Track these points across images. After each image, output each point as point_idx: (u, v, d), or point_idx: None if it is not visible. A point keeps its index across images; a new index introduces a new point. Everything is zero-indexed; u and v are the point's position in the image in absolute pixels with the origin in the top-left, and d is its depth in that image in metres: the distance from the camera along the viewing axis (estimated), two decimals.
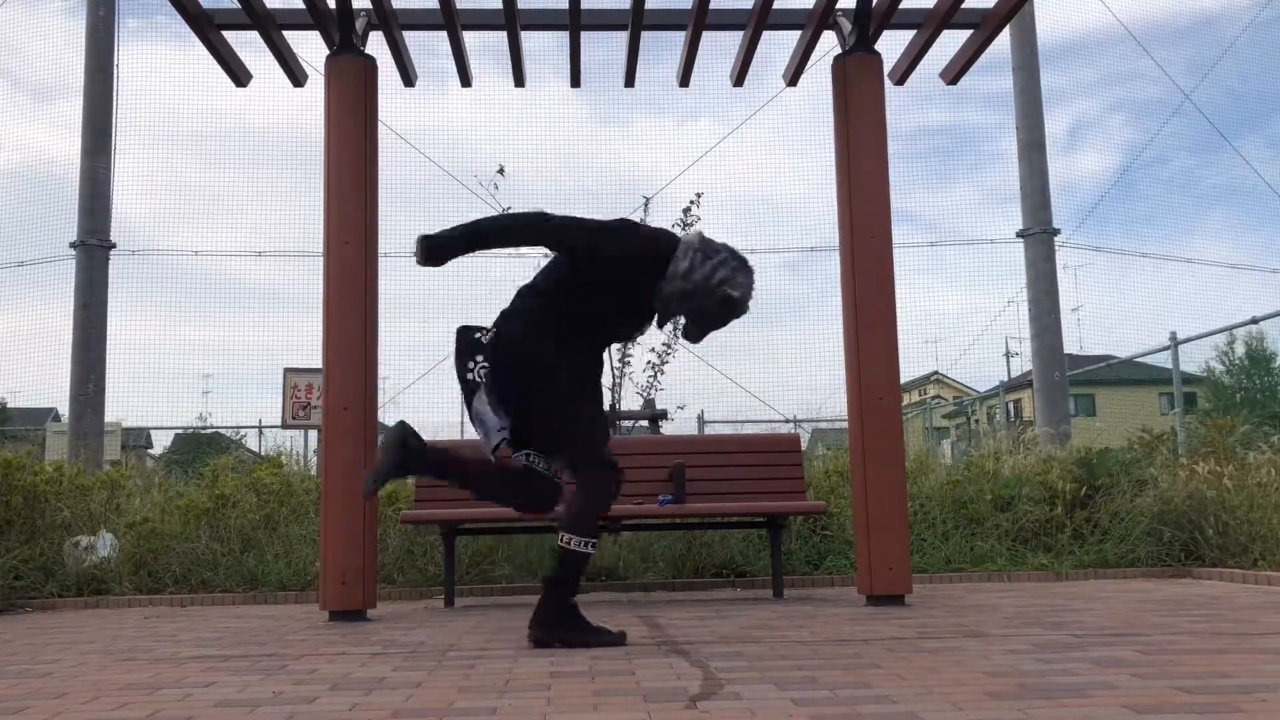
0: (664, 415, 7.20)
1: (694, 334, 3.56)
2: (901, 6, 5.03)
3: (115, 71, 10.57)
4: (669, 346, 8.17)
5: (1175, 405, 10.05)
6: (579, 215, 3.52)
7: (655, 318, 3.59)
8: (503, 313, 3.56)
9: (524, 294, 3.58)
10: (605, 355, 3.80)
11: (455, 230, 3.48)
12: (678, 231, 3.69)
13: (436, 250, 3.43)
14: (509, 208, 3.63)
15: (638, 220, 3.63)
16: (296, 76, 5.51)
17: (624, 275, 3.47)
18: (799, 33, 5.35)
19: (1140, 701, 2.25)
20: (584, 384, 3.52)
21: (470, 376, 3.43)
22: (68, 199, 10.55)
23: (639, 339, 3.61)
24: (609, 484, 3.46)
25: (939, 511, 6.88)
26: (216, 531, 6.55)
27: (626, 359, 8.00)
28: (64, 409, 11.08)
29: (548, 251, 3.65)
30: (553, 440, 3.51)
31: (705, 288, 3.40)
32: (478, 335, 3.49)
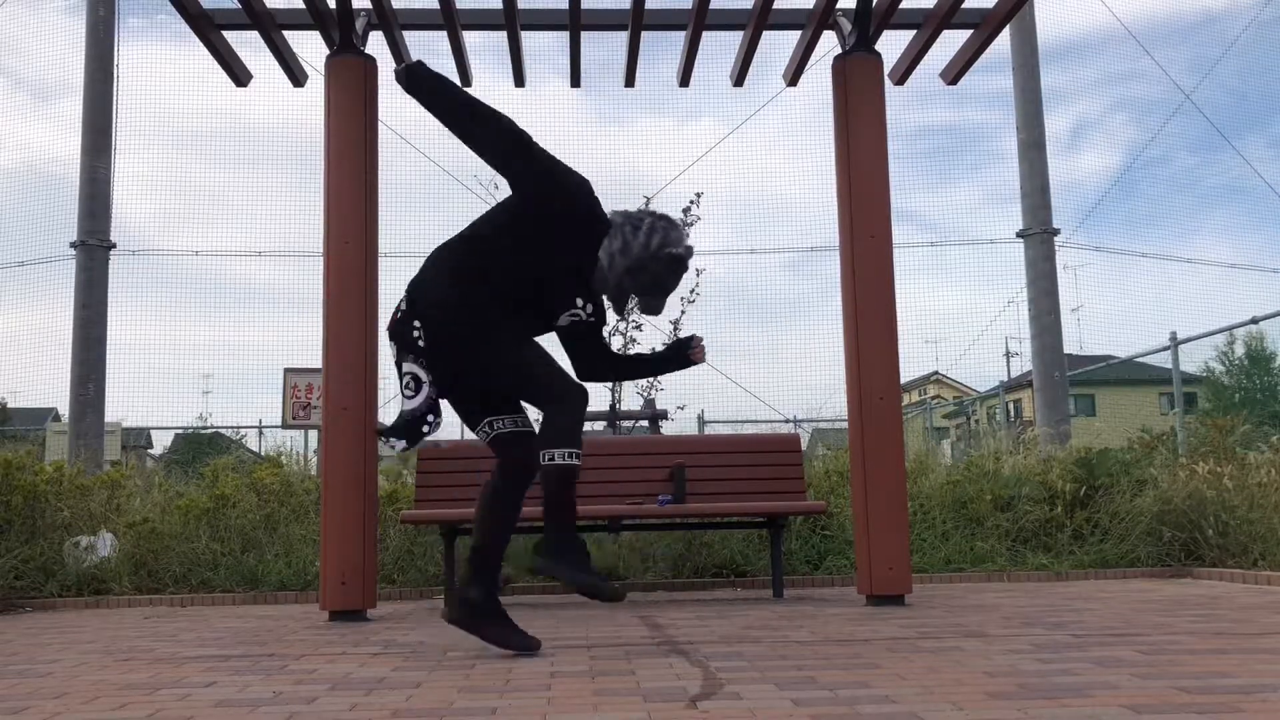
0: (664, 415, 7.20)
1: (653, 305, 3.47)
2: (901, 6, 5.03)
3: (115, 71, 10.57)
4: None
5: (1175, 405, 10.05)
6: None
7: (587, 306, 3.46)
8: (415, 282, 3.39)
9: (440, 256, 3.42)
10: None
11: (444, 82, 3.40)
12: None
13: (417, 80, 3.38)
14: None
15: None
16: (296, 76, 5.51)
17: (559, 239, 3.34)
18: (799, 33, 5.35)
19: (1140, 701, 2.25)
20: (513, 336, 3.36)
21: (415, 335, 3.28)
22: (68, 199, 10.56)
23: (567, 320, 3.46)
24: (576, 396, 3.32)
25: (939, 511, 6.88)
26: (216, 531, 6.55)
27: None
28: (64, 409, 11.08)
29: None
30: (512, 392, 3.40)
31: (647, 257, 3.32)
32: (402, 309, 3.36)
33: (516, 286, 3.35)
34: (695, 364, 3.70)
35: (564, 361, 3.53)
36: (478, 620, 3.31)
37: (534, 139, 3.35)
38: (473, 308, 3.31)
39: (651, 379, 8.00)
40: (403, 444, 3.37)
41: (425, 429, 3.38)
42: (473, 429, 3.47)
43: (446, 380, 3.35)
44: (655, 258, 3.34)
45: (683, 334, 8.27)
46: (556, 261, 3.37)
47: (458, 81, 5.53)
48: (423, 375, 3.32)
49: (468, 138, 3.38)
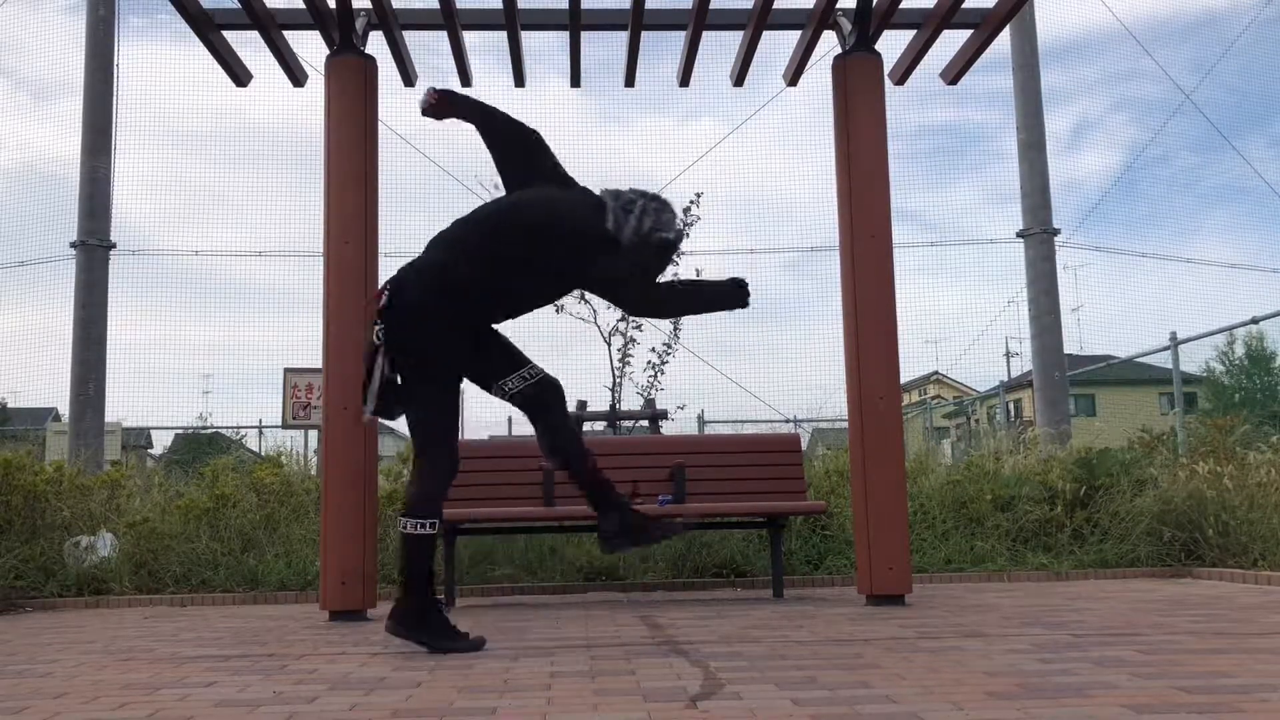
0: (664, 415, 7.20)
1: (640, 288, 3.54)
2: (901, 6, 5.03)
3: (115, 71, 10.57)
4: (669, 346, 8.18)
5: (1175, 405, 10.05)
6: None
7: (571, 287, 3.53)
8: (408, 269, 3.44)
9: (434, 249, 3.46)
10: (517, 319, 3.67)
11: (472, 100, 3.57)
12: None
13: (453, 102, 3.51)
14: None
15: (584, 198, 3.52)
16: (296, 76, 5.51)
17: (552, 246, 3.38)
18: (799, 33, 5.35)
19: (1140, 701, 2.25)
20: (451, 366, 3.43)
21: (375, 336, 3.36)
22: (68, 199, 10.56)
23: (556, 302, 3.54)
24: (443, 468, 3.38)
25: (939, 511, 6.88)
26: (216, 531, 6.55)
27: (627, 359, 8.01)
28: (64, 409, 11.08)
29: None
30: (408, 410, 3.46)
31: (639, 242, 3.32)
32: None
33: (498, 286, 3.38)
34: (745, 306, 3.71)
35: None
36: (414, 628, 3.37)
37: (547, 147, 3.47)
38: (442, 315, 3.35)
39: (652, 379, 8.02)
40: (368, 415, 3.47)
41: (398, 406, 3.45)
42: (489, 391, 3.51)
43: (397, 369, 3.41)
44: (646, 243, 3.32)
45: (682, 334, 8.30)
46: (544, 266, 3.40)
47: (457, 83, 5.56)
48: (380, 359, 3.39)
49: (497, 134, 3.55)
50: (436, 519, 3.37)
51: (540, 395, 3.44)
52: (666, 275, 3.68)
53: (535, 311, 3.62)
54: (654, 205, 3.37)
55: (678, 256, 7.63)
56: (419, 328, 3.34)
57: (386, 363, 3.37)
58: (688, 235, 7.70)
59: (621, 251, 3.32)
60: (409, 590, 3.37)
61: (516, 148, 3.58)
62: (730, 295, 3.69)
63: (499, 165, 3.61)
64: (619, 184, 3.46)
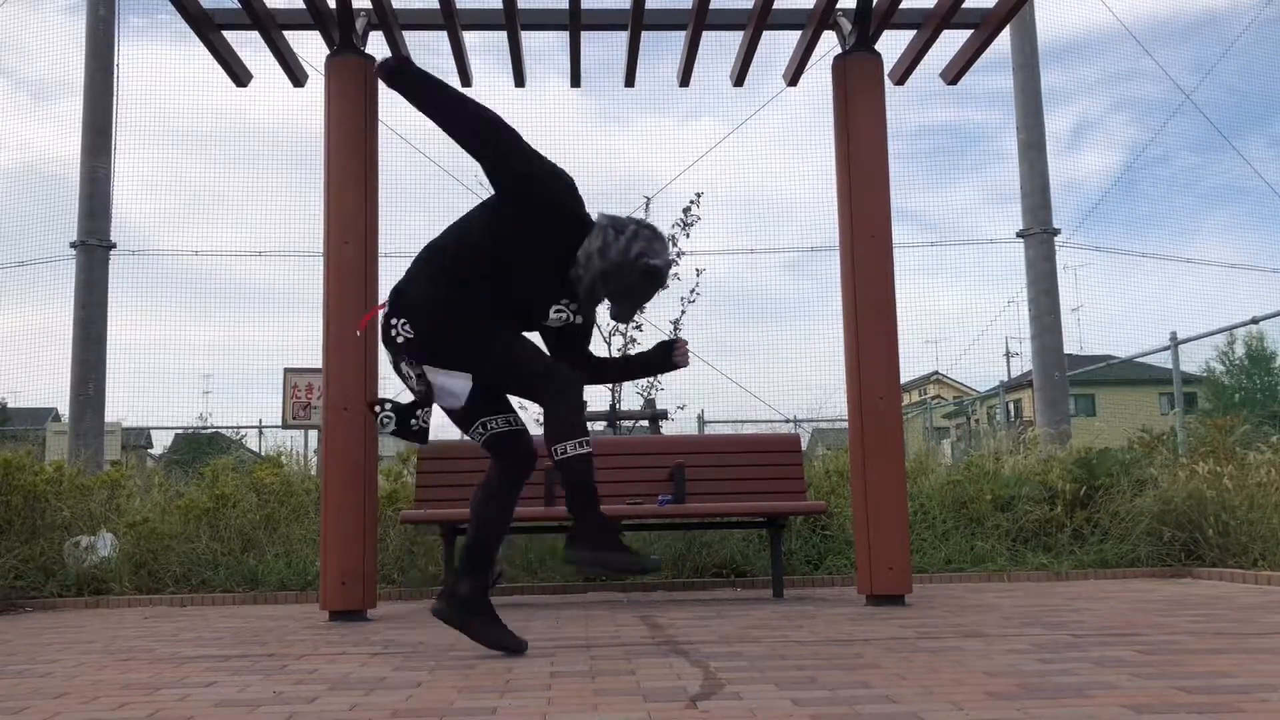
0: (664, 415, 7.20)
1: (623, 312, 3.45)
2: (901, 6, 5.03)
3: (116, 71, 10.57)
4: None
5: (1175, 405, 10.05)
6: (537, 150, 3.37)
7: (573, 305, 3.43)
8: (398, 288, 3.39)
9: (429, 257, 3.41)
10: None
11: (426, 76, 3.40)
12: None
13: (403, 76, 3.36)
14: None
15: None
16: (297, 76, 5.51)
17: (542, 236, 3.32)
18: (799, 33, 5.35)
19: (1140, 701, 2.25)
20: (498, 330, 3.36)
21: (394, 335, 3.30)
22: (68, 199, 10.56)
23: (555, 319, 3.46)
24: (572, 385, 3.30)
25: (939, 511, 6.88)
26: (216, 531, 6.55)
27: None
28: (64, 409, 11.08)
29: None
30: (504, 385, 3.41)
31: (625, 263, 3.28)
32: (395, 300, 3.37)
33: (497, 287, 3.35)
34: (678, 367, 3.66)
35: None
36: (465, 616, 3.33)
37: (519, 135, 3.36)
38: (455, 303, 3.31)
39: (650, 379, 8.01)
40: (391, 426, 3.39)
41: (414, 422, 3.40)
42: (465, 431, 3.47)
43: (437, 361, 3.35)
44: (632, 266, 3.29)
45: (683, 334, 8.30)
46: (538, 259, 3.35)
47: (457, 82, 5.55)
48: (414, 371, 3.34)
49: (451, 124, 3.38)
50: (587, 435, 3.26)
51: (509, 444, 3.44)
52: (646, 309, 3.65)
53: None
54: (646, 233, 3.35)
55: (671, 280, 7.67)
56: (438, 311, 3.29)
57: (416, 372, 3.34)
58: (676, 273, 7.72)
59: (605, 270, 3.30)
60: (592, 510, 3.25)
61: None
62: (658, 362, 3.66)
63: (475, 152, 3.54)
64: (620, 211, 3.47)
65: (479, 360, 3.32)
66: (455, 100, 3.39)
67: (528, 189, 3.31)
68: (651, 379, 8.07)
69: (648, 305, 3.55)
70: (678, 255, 8.07)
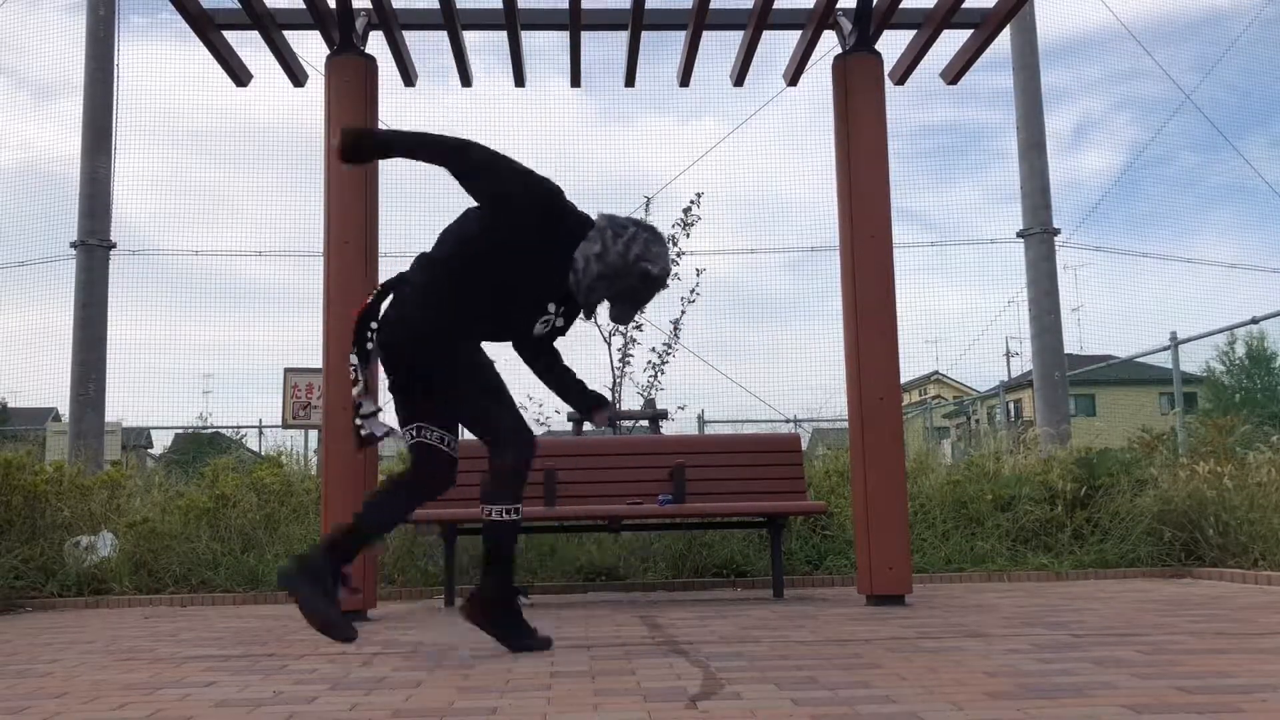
0: (664, 415, 7.20)
1: (622, 314, 3.46)
2: (901, 6, 5.03)
3: (116, 71, 10.57)
4: (669, 346, 8.18)
5: (1175, 405, 10.05)
6: (510, 157, 3.34)
7: (562, 309, 3.44)
8: (399, 279, 3.40)
9: (421, 266, 3.41)
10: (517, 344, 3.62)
11: (382, 134, 3.45)
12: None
13: (359, 145, 3.34)
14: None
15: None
16: (297, 76, 5.51)
17: (532, 241, 3.31)
18: (799, 33, 5.35)
19: (1140, 701, 2.25)
20: (479, 359, 3.37)
21: (369, 345, 3.29)
22: (68, 199, 10.56)
23: (541, 327, 3.46)
24: (524, 444, 3.29)
25: (939, 511, 6.88)
26: (216, 531, 6.55)
27: (627, 359, 8.01)
28: (64, 409, 11.08)
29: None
30: (463, 416, 3.41)
31: (623, 266, 3.29)
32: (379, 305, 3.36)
33: (488, 298, 3.34)
34: (591, 422, 3.71)
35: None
36: (299, 584, 3.18)
37: (482, 146, 3.34)
38: (442, 315, 3.30)
39: (651, 379, 8.02)
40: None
41: (357, 424, 3.38)
42: (400, 425, 3.46)
43: (402, 379, 3.37)
44: (630, 269, 3.30)
45: (682, 334, 8.30)
46: (527, 266, 3.34)
47: (457, 82, 5.56)
48: (362, 376, 3.33)
49: (433, 161, 3.36)
50: (519, 504, 3.28)
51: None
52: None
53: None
54: (645, 235, 3.35)
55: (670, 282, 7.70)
56: (423, 348, 3.30)
57: (361, 375, 3.31)
58: (676, 273, 7.74)
59: (603, 272, 3.30)
60: (502, 583, 3.30)
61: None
62: (579, 405, 3.68)
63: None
64: (620, 211, 3.46)
65: (448, 385, 3.32)
66: (419, 140, 3.36)
67: (507, 200, 3.31)
68: (652, 381, 8.09)
69: (647, 306, 3.56)
70: (678, 255, 8.08)
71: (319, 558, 3.22)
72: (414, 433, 3.40)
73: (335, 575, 3.22)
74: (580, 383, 3.70)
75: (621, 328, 7.87)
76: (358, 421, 3.36)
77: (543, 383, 3.71)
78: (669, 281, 3.49)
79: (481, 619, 3.32)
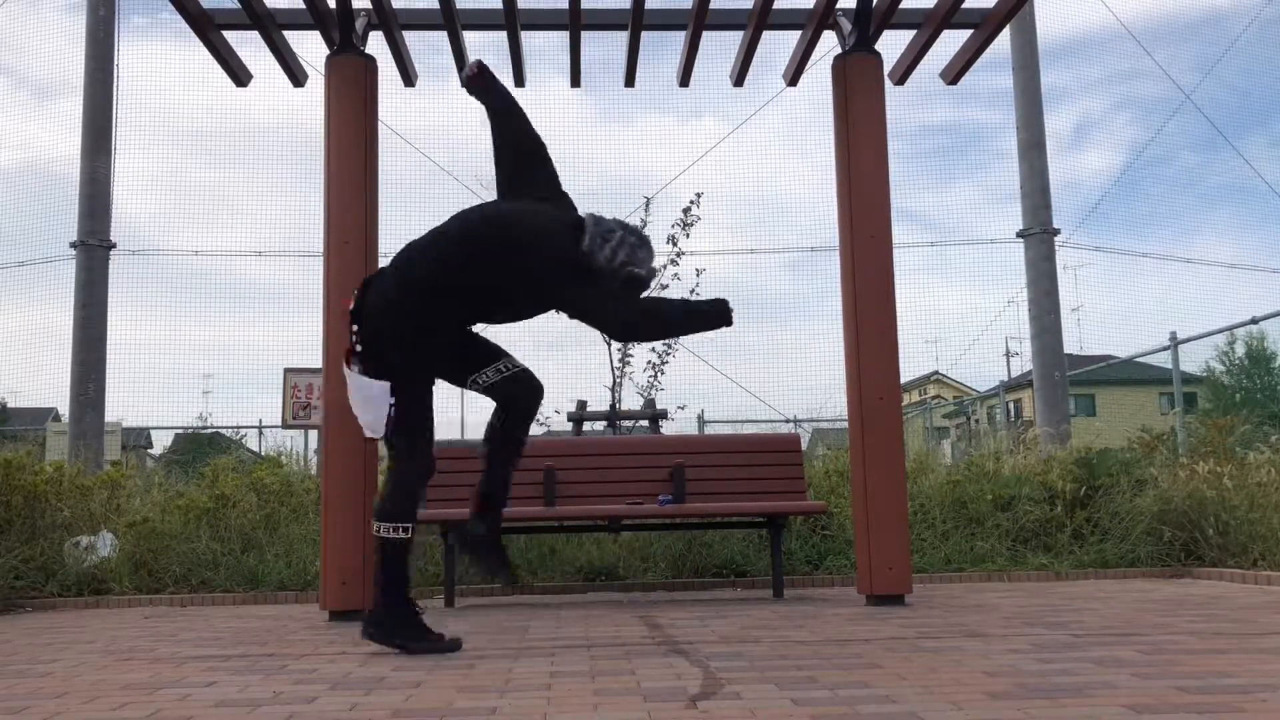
0: (664, 415, 7.20)
1: None
2: (901, 6, 5.03)
3: (115, 71, 10.57)
4: (669, 346, 8.17)
5: (1175, 405, 10.05)
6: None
7: (542, 303, 3.46)
8: (387, 271, 3.44)
9: (408, 258, 3.44)
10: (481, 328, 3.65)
11: (505, 91, 3.71)
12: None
13: (489, 85, 3.64)
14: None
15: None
16: (296, 76, 5.51)
17: (524, 260, 3.35)
18: (799, 33, 5.35)
19: (1140, 701, 2.25)
20: (423, 366, 3.40)
21: (352, 339, 3.36)
22: (68, 199, 10.55)
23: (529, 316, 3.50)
24: (414, 468, 3.36)
25: (939, 511, 6.88)
26: (216, 531, 6.55)
27: (627, 359, 8.01)
28: (64, 409, 11.07)
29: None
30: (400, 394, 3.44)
31: (608, 270, 3.28)
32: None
33: (475, 297, 3.36)
34: (727, 325, 3.54)
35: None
36: (481, 551, 3.40)
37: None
38: (423, 312, 3.33)
39: (651, 379, 8.02)
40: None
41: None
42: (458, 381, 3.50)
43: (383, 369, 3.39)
44: (615, 274, 3.29)
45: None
46: (525, 268, 3.36)
47: (458, 81, 5.56)
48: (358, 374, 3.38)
49: (511, 130, 3.57)
50: (410, 522, 3.34)
51: (512, 390, 3.41)
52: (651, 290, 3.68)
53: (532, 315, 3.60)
54: (632, 240, 3.34)
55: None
56: (392, 328, 3.33)
57: (366, 369, 3.37)
58: (661, 279, 7.75)
59: (590, 279, 3.31)
60: (386, 596, 3.34)
61: (517, 151, 3.61)
62: (712, 315, 3.54)
63: (496, 157, 3.62)
64: (604, 211, 3.46)
65: (429, 363, 3.39)
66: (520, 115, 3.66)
67: (530, 233, 3.38)
68: (652, 381, 8.09)
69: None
70: (678, 255, 8.08)
71: (480, 525, 3.40)
72: (478, 384, 3.42)
73: (497, 529, 3.45)
74: (689, 304, 3.64)
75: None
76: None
77: (670, 336, 3.77)
78: (654, 283, 3.49)
79: (378, 634, 3.34)
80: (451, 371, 3.47)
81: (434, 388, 3.48)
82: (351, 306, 3.39)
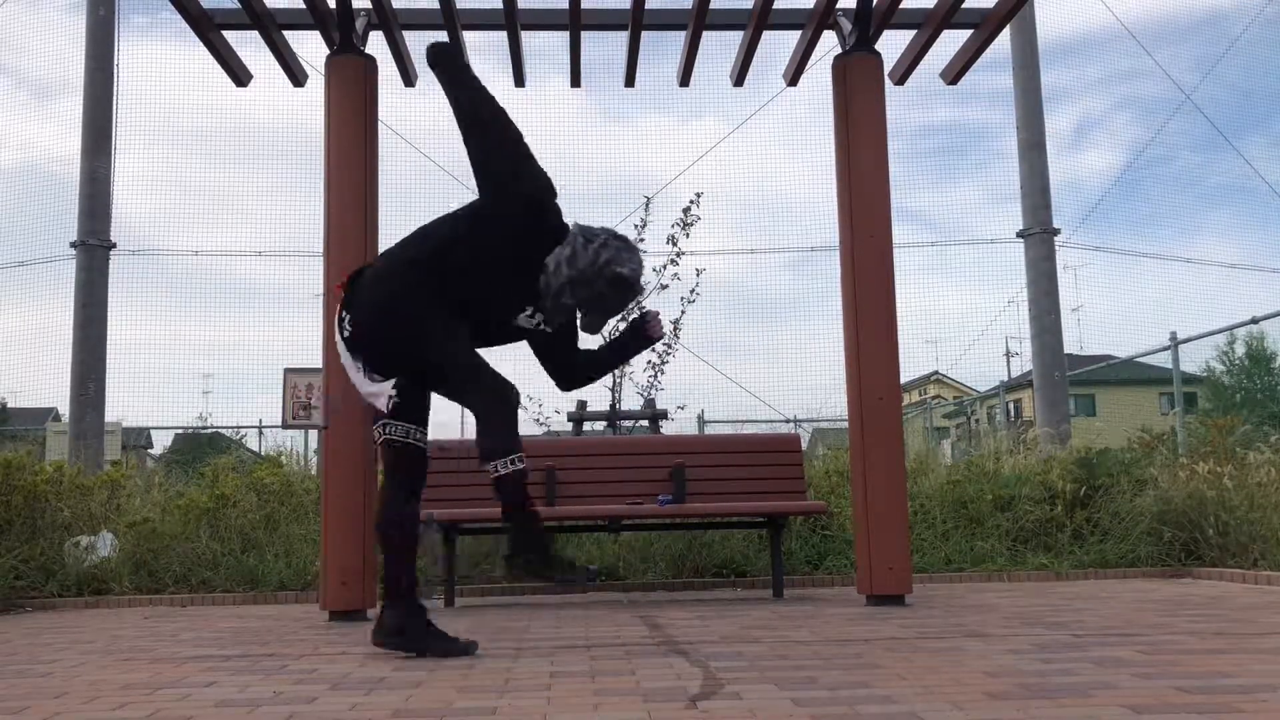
0: (664, 415, 7.20)
1: (593, 324, 3.42)
2: (901, 6, 5.03)
3: (115, 70, 10.57)
4: (669, 346, 8.17)
5: (1175, 405, 10.05)
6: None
7: (543, 316, 3.42)
8: (373, 275, 3.42)
9: (395, 262, 3.42)
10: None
11: (466, 73, 3.47)
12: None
13: (446, 59, 3.45)
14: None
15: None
16: (297, 76, 5.51)
17: (511, 243, 3.32)
18: (799, 32, 5.35)
19: (1140, 701, 2.25)
20: (451, 327, 3.34)
21: (342, 326, 3.35)
22: (68, 199, 10.55)
23: (521, 322, 3.47)
24: (502, 396, 3.26)
25: (939, 511, 6.88)
26: (216, 531, 6.55)
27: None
28: (64, 409, 11.07)
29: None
30: (441, 385, 3.42)
31: (592, 271, 3.26)
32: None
33: (466, 289, 3.34)
34: (656, 339, 3.65)
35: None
36: (407, 641, 3.31)
37: (530, 150, 3.36)
38: (415, 293, 3.30)
39: (651, 379, 8.02)
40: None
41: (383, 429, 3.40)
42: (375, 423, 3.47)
43: (376, 363, 3.37)
44: (599, 274, 3.27)
45: (682, 334, 8.30)
46: (508, 268, 3.34)
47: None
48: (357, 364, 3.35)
49: (476, 130, 3.39)
50: (520, 451, 3.21)
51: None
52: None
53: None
54: (616, 243, 3.33)
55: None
56: (391, 319, 3.31)
57: (359, 362, 3.34)
58: (671, 279, 7.84)
59: (573, 278, 3.29)
60: (521, 525, 3.23)
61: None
62: (635, 340, 3.60)
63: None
64: (603, 212, 3.45)
65: (423, 351, 3.31)
66: (492, 105, 3.43)
67: (523, 208, 3.32)
68: (652, 381, 8.09)
69: (619, 317, 3.52)
70: (677, 255, 8.07)
71: (390, 616, 3.35)
72: (380, 431, 3.41)
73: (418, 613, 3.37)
74: (617, 339, 3.68)
75: (622, 327, 7.87)
76: (384, 428, 3.37)
77: (600, 376, 3.70)
78: (642, 287, 3.47)
79: (522, 566, 3.27)
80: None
81: (469, 331, 3.39)
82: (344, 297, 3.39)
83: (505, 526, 3.27)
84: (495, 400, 3.26)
